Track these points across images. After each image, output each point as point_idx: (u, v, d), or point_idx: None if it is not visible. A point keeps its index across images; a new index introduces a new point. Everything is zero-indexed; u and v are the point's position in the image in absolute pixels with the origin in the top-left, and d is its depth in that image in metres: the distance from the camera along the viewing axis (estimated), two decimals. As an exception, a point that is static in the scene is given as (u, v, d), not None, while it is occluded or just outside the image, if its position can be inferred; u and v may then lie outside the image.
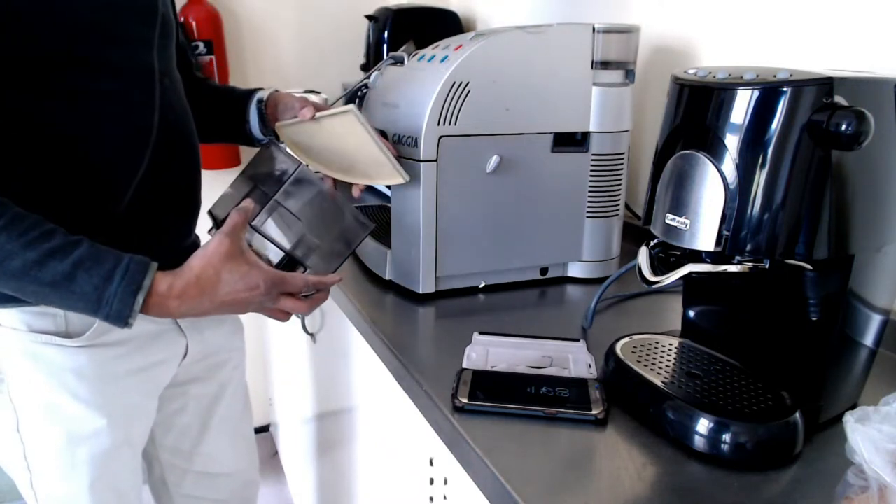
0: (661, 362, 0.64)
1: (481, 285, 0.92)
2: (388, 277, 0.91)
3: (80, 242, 0.69)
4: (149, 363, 0.87)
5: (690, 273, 0.56)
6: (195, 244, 0.97)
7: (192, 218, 0.93)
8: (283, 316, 0.79)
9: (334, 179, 0.94)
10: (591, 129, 0.90)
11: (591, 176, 0.92)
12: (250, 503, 1.13)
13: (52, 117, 0.73)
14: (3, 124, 0.72)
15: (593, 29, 0.87)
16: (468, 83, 0.82)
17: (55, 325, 0.78)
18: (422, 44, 1.01)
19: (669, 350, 0.67)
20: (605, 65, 0.89)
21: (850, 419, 0.45)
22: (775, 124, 0.51)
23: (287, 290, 0.76)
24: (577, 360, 0.69)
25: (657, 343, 0.68)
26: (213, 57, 1.67)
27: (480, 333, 0.76)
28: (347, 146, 0.86)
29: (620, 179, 0.94)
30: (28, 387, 0.79)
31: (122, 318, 0.70)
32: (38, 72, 0.71)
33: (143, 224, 0.82)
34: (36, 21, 0.70)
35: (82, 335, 0.79)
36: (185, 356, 0.93)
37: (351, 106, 0.80)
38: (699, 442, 0.54)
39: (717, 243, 0.54)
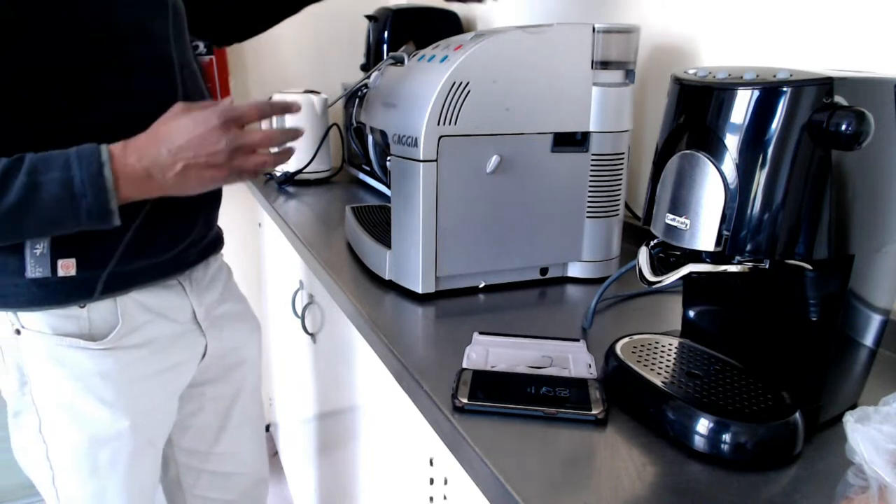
0: (661, 362, 0.64)
1: (481, 285, 0.92)
2: (388, 277, 0.91)
3: (23, 156, 0.67)
4: (171, 364, 0.88)
5: (690, 273, 0.56)
6: (219, 237, 0.97)
7: (215, 207, 0.93)
8: (263, 159, 0.74)
9: None
10: (591, 129, 0.90)
11: (591, 176, 0.92)
12: (261, 502, 1.14)
13: (79, 119, 0.73)
14: (29, 126, 0.72)
15: (593, 29, 0.87)
16: (468, 83, 0.82)
17: (79, 327, 0.78)
18: (422, 44, 1.01)
19: (669, 350, 0.67)
20: (605, 65, 0.89)
21: (850, 419, 0.45)
22: (775, 124, 0.51)
23: (241, 118, 0.72)
24: (577, 360, 0.69)
25: (657, 343, 0.68)
26: (212, 57, 1.67)
27: (480, 333, 0.76)
28: None
29: (620, 179, 0.94)
30: (51, 389, 0.79)
31: (104, 207, 0.67)
32: (63, 76, 0.71)
33: (171, 217, 0.82)
34: (59, 28, 0.70)
35: (106, 337, 0.79)
36: (203, 356, 0.94)
37: None
38: (699, 442, 0.54)
39: (717, 243, 0.54)
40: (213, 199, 0.91)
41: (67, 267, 0.75)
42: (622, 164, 0.93)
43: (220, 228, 0.99)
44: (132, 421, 0.83)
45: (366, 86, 1.02)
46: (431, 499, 0.74)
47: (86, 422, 0.80)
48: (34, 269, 0.74)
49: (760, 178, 0.52)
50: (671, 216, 0.57)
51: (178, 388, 0.91)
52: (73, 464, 0.82)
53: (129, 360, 0.82)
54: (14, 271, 0.74)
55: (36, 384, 0.79)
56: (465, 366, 0.67)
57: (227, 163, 0.71)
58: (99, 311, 0.79)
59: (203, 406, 1.00)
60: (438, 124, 0.81)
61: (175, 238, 0.83)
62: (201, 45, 1.63)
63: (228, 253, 1.04)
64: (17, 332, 0.78)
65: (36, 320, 0.77)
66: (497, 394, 0.62)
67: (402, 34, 1.56)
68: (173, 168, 0.69)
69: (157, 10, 0.81)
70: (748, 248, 0.53)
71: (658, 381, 0.60)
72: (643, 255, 0.60)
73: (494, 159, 0.85)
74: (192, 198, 0.81)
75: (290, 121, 1.58)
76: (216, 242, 0.96)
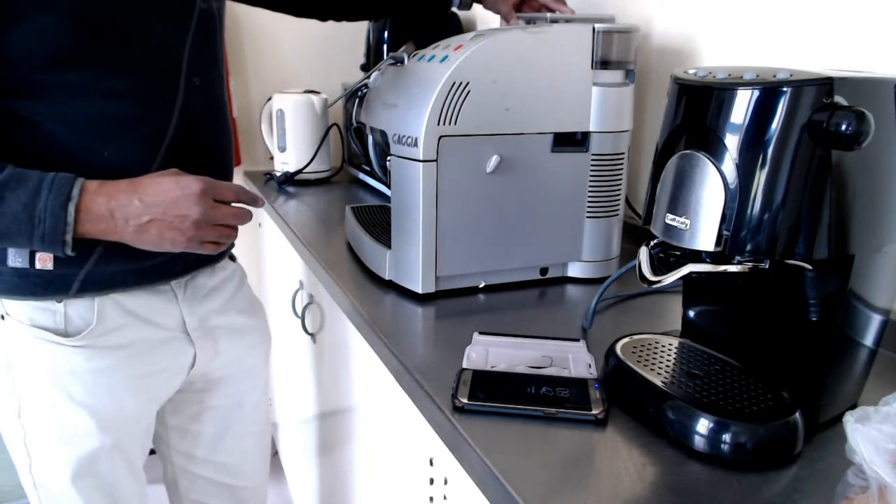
0: (661, 362, 0.64)
1: (481, 285, 0.92)
2: (387, 277, 0.91)
3: (3, 167, 0.68)
4: (149, 371, 0.86)
5: (690, 273, 0.56)
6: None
7: None
8: (228, 231, 0.77)
9: None
10: (591, 129, 0.90)
11: (591, 176, 0.92)
12: None
13: (52, 113, 0.73)
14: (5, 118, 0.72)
15: (593, 29, 0.87)
16: (468, 83, 0.82)
17: (54, 321, 0.78)
18: (422, 44, 1.01)
19: (669, 350, 0.67)
20: (605, 65, 0.89)
21: (850, 419, 0.45)
22: (775, 124, 0.51)
23: (219, 195, 0.75)
24: (577, 360, 0.69)
25: (657, 343, 0.68)
26: (213, 57, 1.66)
27: (480, 333, 0.76)
28: None
29: (620, 179, 0.94)
30: (29, 378, 0.80)
31: (57, 237, 0.68)
32: (42, 67, 0.71)
33: None
34: (53, 17, 0.69)
35: (79, 334, 0.79)
36: (193, 366, 0.92)
37: None
38: (699, 442, 0.54)
39: (717, 243, 0.54)
40: None
41: (45, 260, 0.76)
42: (622, 164, 0.93)
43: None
44: (97, 421, 0.82)
45: (366, 86, 1.02)
46: (431, 499, 0.74)
47: (55, 416, 0.80)
48: (15, 257, 0.76)
49: (760, 178, 0.52)
50: (671, 216, 0.57)
51: (154, 396, 0.89)
52: (45, 455, 0.82)
53: (101, 360, 0.81)
54: None
55: (17, 370, 0.80)
56: (465, 366, 0.67)
57: (191, 230, 0.73)
58: (76, 308, 0.79)
59: (201, 413, 0.99)
60: (438, 124, 0.81)
61: (165, 253, 0.82)
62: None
63: (228, 253, 1.03)
64: (2, 317, 0.79)
65: (18, 309, 0.78)
66: (497, 394, 0.62)
67: (402, 34, 1.56)
68: (138, 219, 0.71)
69: (175, 15, 0.79)
70: (748, 248, 0.53)
71: (658, 381, 0.60)
72: (643, 254, 0.60)
73: (494, 159, 0.85)
74: None
75: (290, 127, 1.58)
76: (213, 255, 0.93)
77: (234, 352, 0.98)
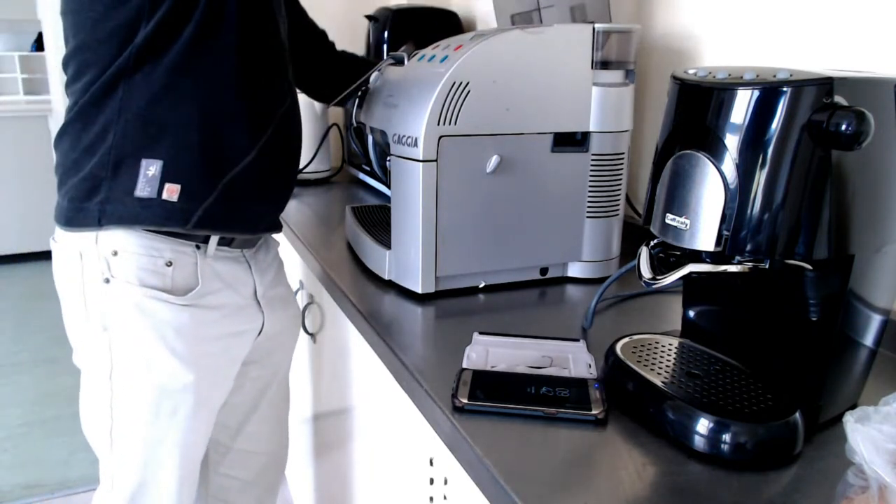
0: (661, 362, 0.64)
1: (481, 285, 0.92)
2: (387, 277, 0.91)
3: None
4: (235, 331, 0.93)
5: (690, 273, 0.56)
6: (280, 221, 1.01)
7: (290, 187, 0.97)
8: None
9: None
10: (591, 129, 0.90)
11: (591, 176, 0.92)
12: (277, 483, 1.19)
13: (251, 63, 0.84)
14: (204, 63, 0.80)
15: (593, 29, 0.87)
16: (468, 83, 0.82)
17: (163, 282, 0.83)
18: (422, 44, 1.01)
19: (669, 350, 0.67)
20: (605, 65, 0.89)
21: (850, 419, 0.45)
22: (775, 124, 0.51)
23: None
24: (577, 360, 0.69)
25: (657, 343, 0.68)
26: (213, 57, 1.66)
27: (480, 333, 0.76)
28: None
29: (620, 179, 0.94)
30: (129, 337, 0.84)
31: None
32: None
33: (261, 178, 0.89)
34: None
35: (187, 294, 0.85)
36: (259, 332, 0.98)
37: None
38: (699, 442, 0.54)
39: (717, 243, 0.54)
40: (290, 183, 0.97)
41: (172, 192, 0.81)
42: (622, 164, 0.93)
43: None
44: (196, 376, 0.86)
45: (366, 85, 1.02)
46: (431, 499, 0.74)
47: (155, 371, 0.84)
48: (143, 188, 0.81)
49: (760, 178, 0.52)
50: (671, 216, 0.57)
51: (237, 355, 0.95)
52: (135, 412, 0.86)
53: (202, 318, 0.87)
54: (125, 189, 0.80)
55: (115, 332, 0.83)
56: (465, 366, 0.67)
57: None
58: (182, 273, 0.85)
59: (243, 385, 1.04)
60: (438, 124, 0.81)
61: (260, 197, 0.89)
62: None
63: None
64: (107, 280, 0.82)
65: (125, 271, 0.82)
66: (497, 394, 0.62)
67: (402, 34, 1.56)
68: None
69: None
70: (748, 248, 0.53)
71: (658, 381, 0.60)
72: (643, 255, 0.60)
73: (494, 159, 0.85)
74: (278, 174, 0.92)
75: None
76: (278, 223, 1.01)
77: (282, 322, 1.03)
